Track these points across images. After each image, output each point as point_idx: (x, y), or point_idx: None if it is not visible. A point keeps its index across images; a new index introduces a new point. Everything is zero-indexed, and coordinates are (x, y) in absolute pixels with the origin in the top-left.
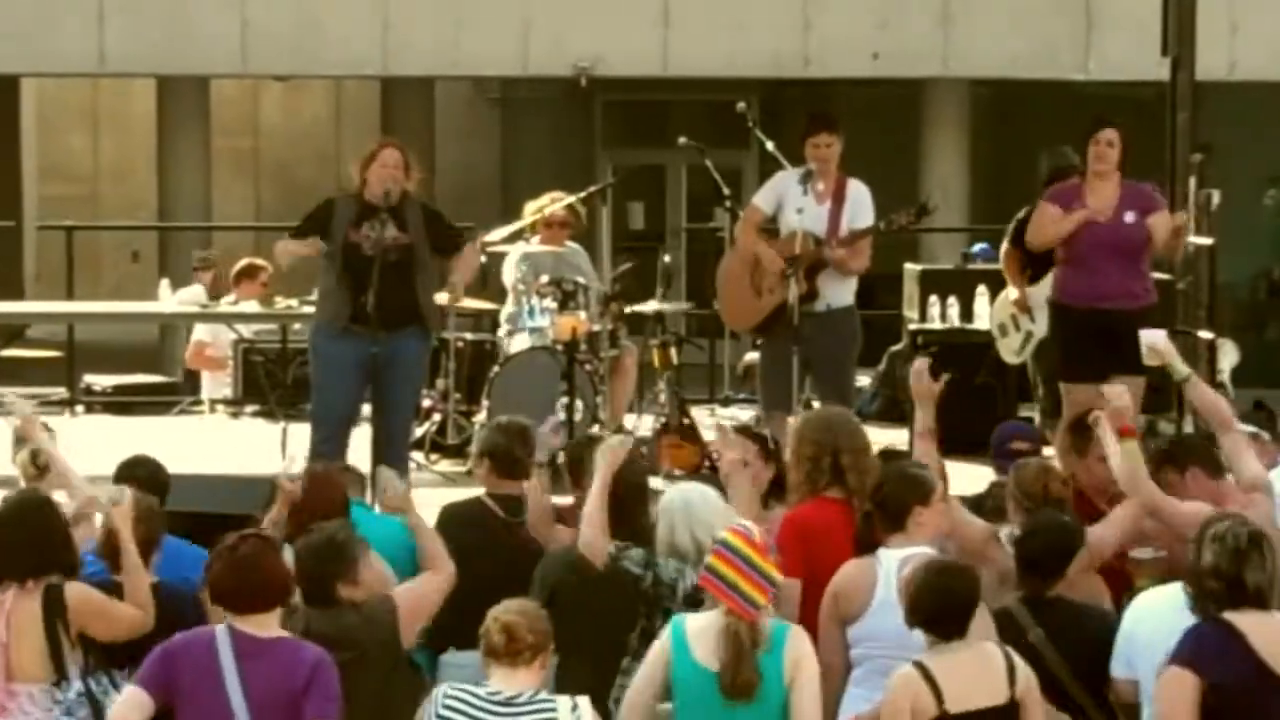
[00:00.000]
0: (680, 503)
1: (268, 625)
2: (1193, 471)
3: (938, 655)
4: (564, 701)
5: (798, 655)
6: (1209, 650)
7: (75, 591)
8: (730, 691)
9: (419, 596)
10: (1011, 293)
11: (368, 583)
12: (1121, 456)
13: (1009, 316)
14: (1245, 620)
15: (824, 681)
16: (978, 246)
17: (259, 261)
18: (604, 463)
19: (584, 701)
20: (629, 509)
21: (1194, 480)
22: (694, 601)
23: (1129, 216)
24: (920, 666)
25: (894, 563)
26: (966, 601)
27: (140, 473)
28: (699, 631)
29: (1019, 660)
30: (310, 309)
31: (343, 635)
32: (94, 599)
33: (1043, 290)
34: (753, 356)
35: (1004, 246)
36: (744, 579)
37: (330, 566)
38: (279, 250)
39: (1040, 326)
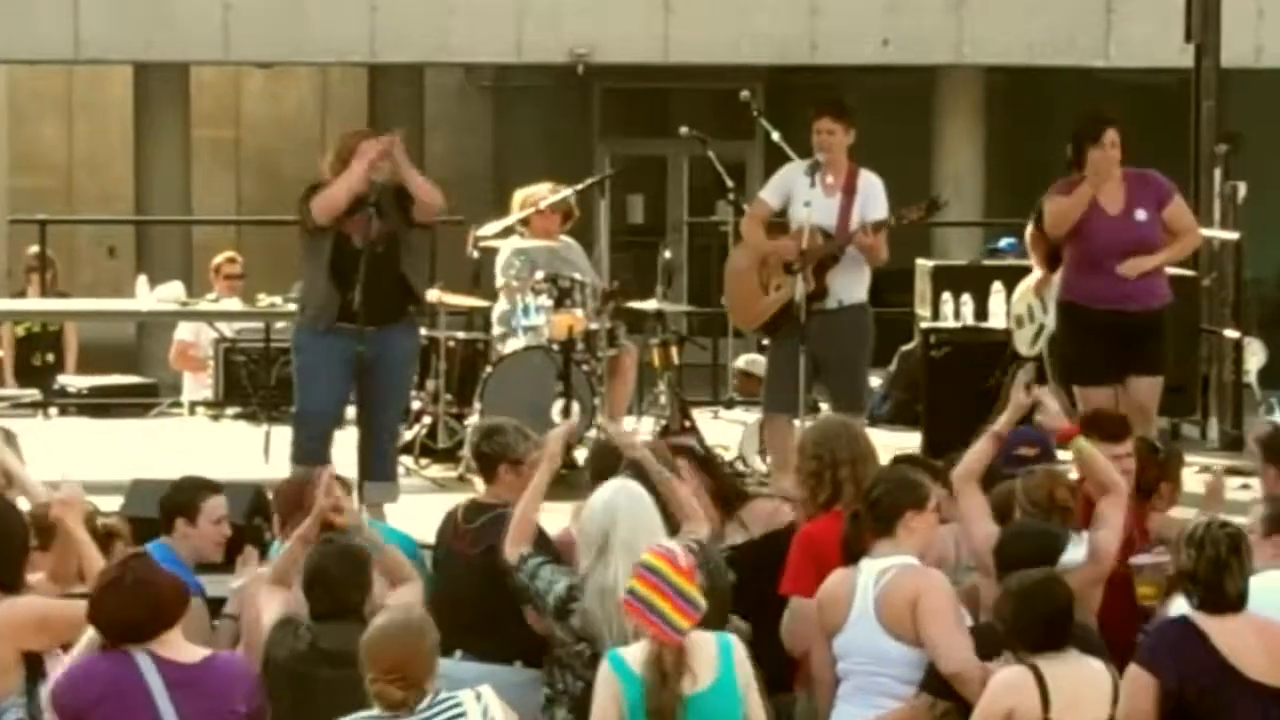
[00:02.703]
0: (601, 500)
1: (181, 642)
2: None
3: (1051, 661)
4: (467, 694)
5: (747, 668)
6: (1166, 650)
7: (6, 607)
8: (653, 717)
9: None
10: (1034, 275)
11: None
12: (1074, 456)
13: (1026, 307)
14: (1210, 620)
15: (816, 696)
16: (1004, 241)
17: (232, 255)
18: (547, 460)
19: (486, 690)
20: None
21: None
22: (562, 611)
23: (1140, 214)
24: (1034, 669)
25: (872, 575)
26: (1066, 609)
27: None
28: (636, 658)
29: (1121, 682)
30: (294, 306)
31: (353, 653)
32: (31, 612)
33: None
34: (745, 360)
35: (1029, 230)
36: (666, 602)
37: (354, 578)
38: (328, 203)
39: (1052, 319)
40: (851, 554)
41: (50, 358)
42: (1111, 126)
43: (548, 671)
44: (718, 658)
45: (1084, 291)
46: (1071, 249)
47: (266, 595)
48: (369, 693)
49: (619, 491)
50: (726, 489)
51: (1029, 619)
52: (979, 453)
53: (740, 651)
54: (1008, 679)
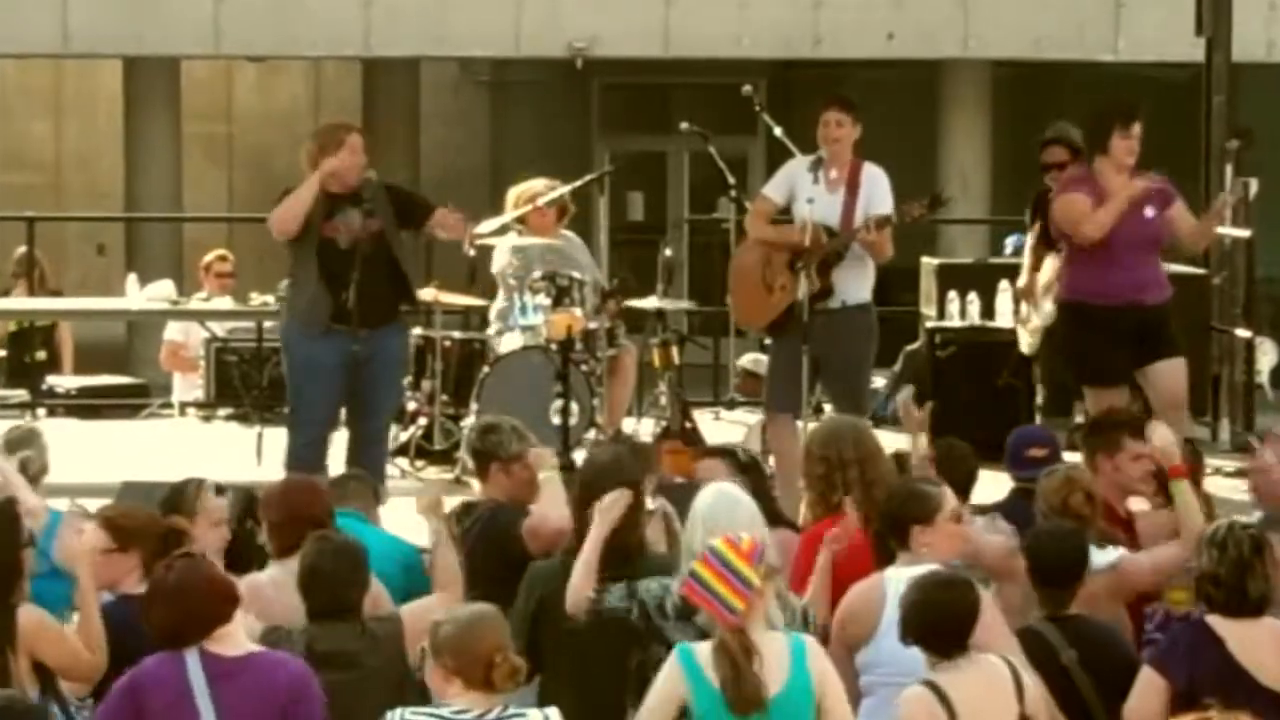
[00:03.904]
0: (703, 507)
1: (235, 640)
2: None
3: (946, 673)
4: (534, 714)
5: (822, 670)
6: (1179, 653)
7: (27, 614)
8: (737, 707)
9: (426, 616)
10: (1021, 280)
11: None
12: (1175, 500)
13: (1024, 309)
14: (1226, 623)
15: None
16: (1012, 238)
17: (223, 253)
18: (601, 521)
19: (554, 712)
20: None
21: None
22: (687, 615)
23: (1149, 211)
24: (931, 685)
25: (902, 584)
26: (962, 616)
27: None
28: (708, 657)
29: (1026, 675)
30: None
31: (348, 656)
32: (49, 624)
33: (1042, 278)
34: (749, 359)
35: (1033, 238)
36: (723, 584)
37: (351, 575)
38: (286, 216)
39: (1039, 317)
40: (882, 566)
41: (42, 355)
42: (1139, 119)
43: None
44: (789, 660)
45: (1096, 288)
46: (1078, 246)
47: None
48: (496, 675)
49: (710, 497)
50: (762, 504)
51: (921, 622)
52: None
53: (815, 652)
54: (908, 700)
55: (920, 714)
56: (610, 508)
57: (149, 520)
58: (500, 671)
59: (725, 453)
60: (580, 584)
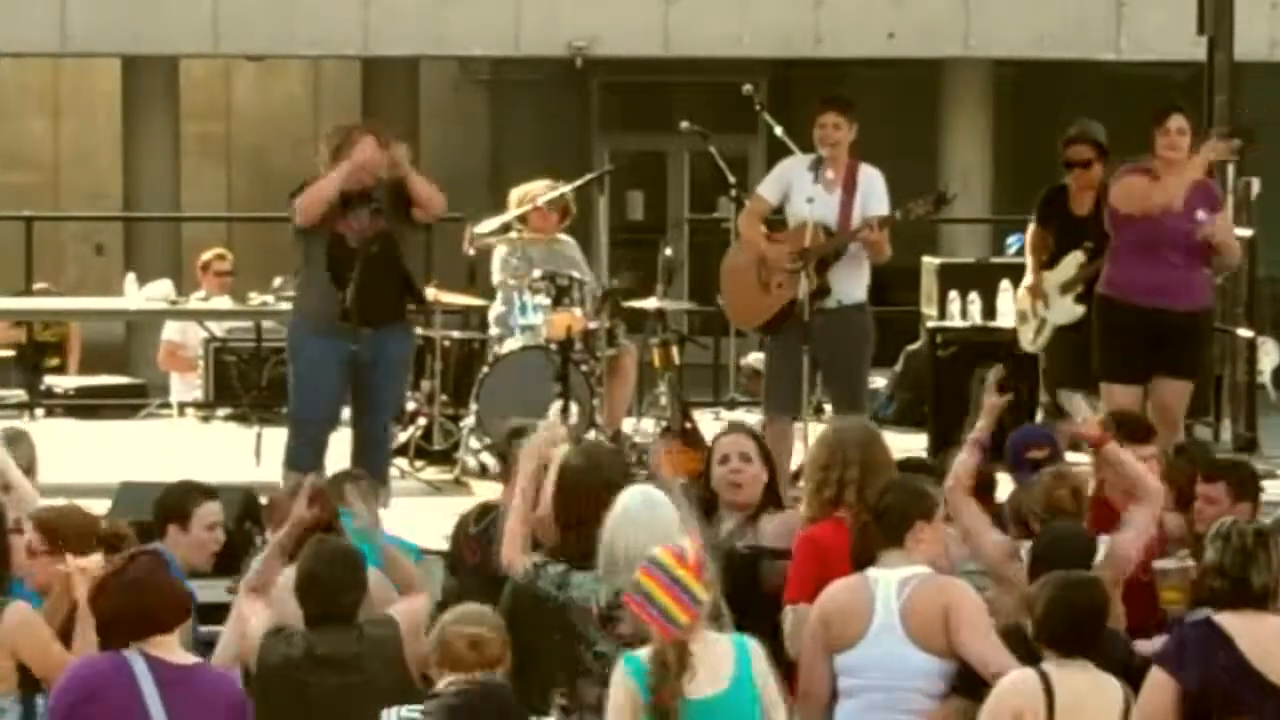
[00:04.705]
0: (619, 509)
1: (176, 648)
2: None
3: (1061, 668)
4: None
5: (764, 672)
6: (1188, 653)
7: (14, 612)
8: (654, 713)
9: (414, 617)
10: (1029, 279)
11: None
12: (1108, 460)
13: (1029, 305)
14: (1234, 621)
15: (805, 713)
16: (1013, 237)
17: (222, 252)
18: (528, 465)
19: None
20: (586, 520)
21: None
22: (607, 620)
23: (1201, 213)
24: (1041, 673)
25: (893, 584)
26: (1099, 617)
27: None
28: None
29: (1134, 701)
30: (286, 305)
31: (349, 659)
32: (37, 627)
33: (1058, 275)
34: (754, 358)
35: (1031, 230)
36: (667, 596)
37: (347, 580)
38: (309, 205)
39: (1055, 314)
40: (863, 563)
41: (55, 362)
42: (1177, 112)
43: (567, 684)
44: (733, 661)
45: (1130, 285)
46: (1125, 239)
47: (248, 605)
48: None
49: (629, 501)
50: (772, 487)
51: (1057, 617)
52: (965, 464)
53: (758, 653)
54: (1014, 681)
55: (1022, 693)
56: (535, 450)
57: (84, 522)
58: (487, 650)
59: (746, 428)
60: (510, 552)
